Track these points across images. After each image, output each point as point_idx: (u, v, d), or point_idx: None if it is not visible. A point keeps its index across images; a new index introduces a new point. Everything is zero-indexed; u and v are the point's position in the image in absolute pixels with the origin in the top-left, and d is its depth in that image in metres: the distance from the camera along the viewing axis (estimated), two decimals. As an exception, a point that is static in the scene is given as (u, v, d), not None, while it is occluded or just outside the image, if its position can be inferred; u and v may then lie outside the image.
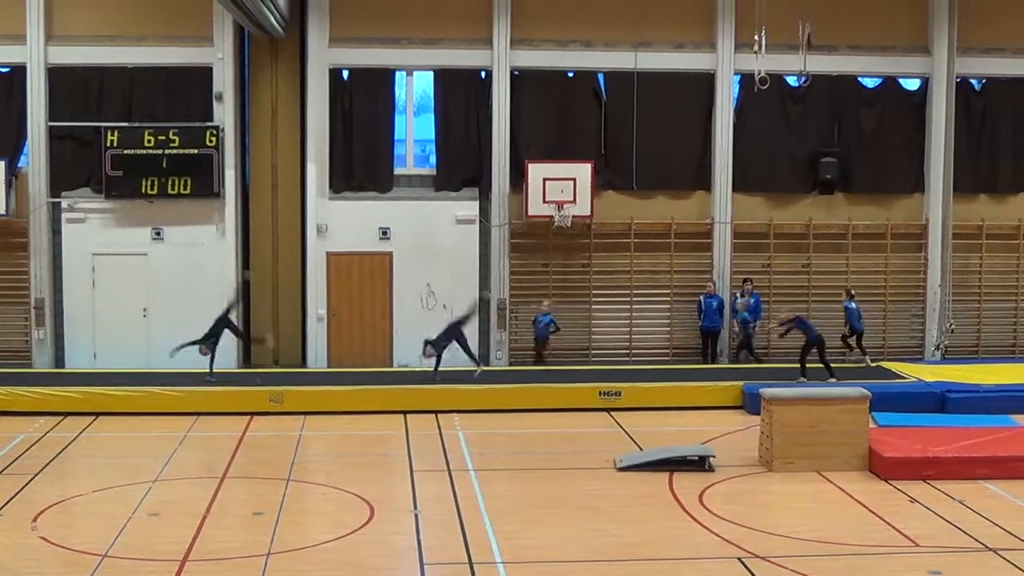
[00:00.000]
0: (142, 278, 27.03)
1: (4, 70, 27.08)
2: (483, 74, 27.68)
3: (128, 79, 27.03)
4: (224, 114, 26.98)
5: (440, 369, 24.61)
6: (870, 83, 28.69)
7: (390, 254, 27.63)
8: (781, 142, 28.29)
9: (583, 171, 27.09)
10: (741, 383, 24.00)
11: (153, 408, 23.01)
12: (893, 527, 15.62)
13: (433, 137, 28.09)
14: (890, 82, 28.64)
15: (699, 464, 18.71)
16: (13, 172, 26.78)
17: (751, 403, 22.60)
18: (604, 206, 27.76)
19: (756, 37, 22.12)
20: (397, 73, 27.85)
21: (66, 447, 20.41)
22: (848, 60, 28.11)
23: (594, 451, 20.05)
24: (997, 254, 28.90)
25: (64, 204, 27.00)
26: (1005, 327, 29.06)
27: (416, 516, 16.16)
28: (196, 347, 24.23)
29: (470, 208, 27.77)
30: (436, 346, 24.61)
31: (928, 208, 28.56)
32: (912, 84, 28.73)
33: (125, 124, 26.72)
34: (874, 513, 16.32)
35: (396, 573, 14.21)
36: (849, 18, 27.92)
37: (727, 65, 27.78)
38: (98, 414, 22.81)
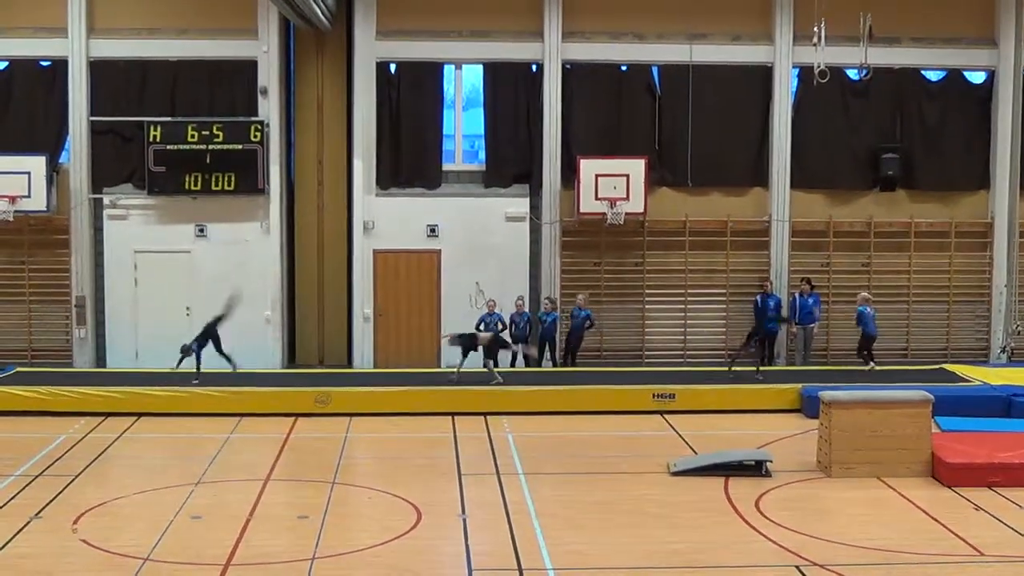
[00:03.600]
0: (185, 276, 27.23)
1: (45, 64, 27.30)
2: (534, 67, 27.68)
3: (171, 73, 27.22)
4: (269, 109, 27.10)
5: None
6: (934, 76, 28.49)
7: (438, 252, 27.68)
8: (841, 137, 28.14)
9: (636, 167, 27.03)
10: (799, 386, 23.85)
11: (196, 409, 23.09)
12: (957, 535, 15.45)
13: (482, 132, 28.17)
14: (954, 75, 28.43)
15: (756, 469, 18.60)
16: (54, 168, 27.03)
17: (809, 406, 22.45)
18: (658, 203, 27.70)
19: (815, 29, 22.05)
20: (446, 66, 27.91)
21: (107, 448, 20.51)
22: (911, 52, 27.92)
23: (647, 455, 19.96)
24: (1066, 253, 28.66)
25: (106, 200, 27.21)
26: (1074, 329, 28.81)
27: (464, 521, 16.16)
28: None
29: (520, 205, 27.77)
30: (192, 348, 24.28)
31: (994, 205, 28.35)
32: (977, 77, 28.51)
33: (168, 119, 26.90)
34: (937, 521, 16.16)
35: (443, 579, 14.23)
36: (912, 9, 27.74)
37: (785, 58, 27.65)
38: (140, 415, 22.93)
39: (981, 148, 28.43)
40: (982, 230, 28.51)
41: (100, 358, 27.41)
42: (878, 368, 25.24)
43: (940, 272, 28.48)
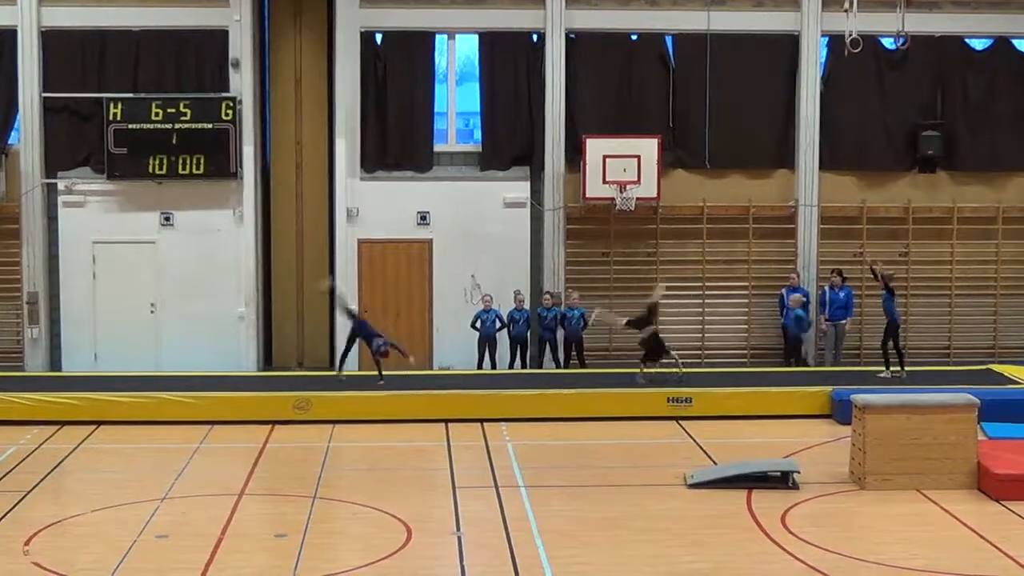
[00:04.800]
0: (149, 269, 27.22)
1: (-8, 34, 27.30)
2: (535, 37, 27.67)
3: (133, 44, 27.15)
4: (242, 84, 27.05)
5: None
6: (979, 45, 28.50)
7: (429, 242, 27.70)
8: (875, 113, 28.14)
9: (649, 147, 27.01)
10: (829, 388, 23.85)
11: (162, 416, 23.06)
12: (1006, 555, 15.43)
13: (478, 109, 28.15)
14: (1002, 43, 28.42)
15: (781, 481, 18.59)
16: (3, 150, 27.04)
17: (841, 411, 22.45)
18: (672, 187, 27.70)
19: (847, -8, 22.03)
20: (437, 36, 27.91)
21: (63, 460, 20.49)
22: (953, 18, 27.93)
23: (661, 465, 19.99)
24: (1125, 241, 28.66)
25: (61, 186, 27.18)
26: None
27: (459, 539, 16.14)
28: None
29: (520, 190, 27.77)
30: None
31: (1045, 188, 28.41)
32: (1028, 46, 28.58)
33: (130, 95, 26.87)
34: (984, 538, 16.14)
35: (436, 604, 14.25)
36: (955, -31, 27.82)
37: (813, 25, 27.63)
38: (99, 423, 22.91)
39: (1031, 125, 28.49)
40: (1032, 215, 28.57)
41: (55, 361, 27.40)
42: (920, 369, 25.20)
43: (986, 262, 28.49)
